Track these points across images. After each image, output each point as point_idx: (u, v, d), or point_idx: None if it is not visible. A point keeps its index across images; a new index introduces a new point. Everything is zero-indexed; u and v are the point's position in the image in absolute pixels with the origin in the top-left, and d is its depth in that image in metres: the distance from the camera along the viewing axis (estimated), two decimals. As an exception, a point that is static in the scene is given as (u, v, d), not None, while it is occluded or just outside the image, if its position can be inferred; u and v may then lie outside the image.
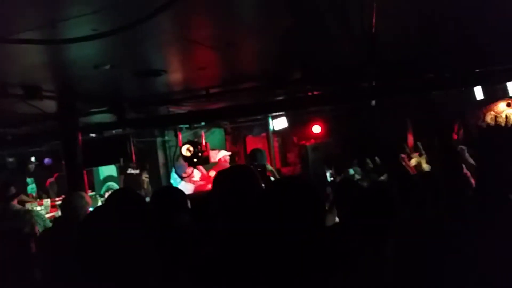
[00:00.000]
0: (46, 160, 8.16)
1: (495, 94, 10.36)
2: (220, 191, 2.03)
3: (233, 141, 10.36)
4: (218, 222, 1.99)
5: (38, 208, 5.86)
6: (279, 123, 8.48)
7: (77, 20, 2.41)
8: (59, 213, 5.83)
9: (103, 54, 3.27)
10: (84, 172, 5.07)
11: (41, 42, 2.66)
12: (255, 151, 5.68)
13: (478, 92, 8.16)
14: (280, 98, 5.60)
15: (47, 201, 6.15)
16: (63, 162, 5.24)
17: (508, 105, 12.42)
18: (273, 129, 8.64)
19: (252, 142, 10.23)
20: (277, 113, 7.98)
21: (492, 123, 12.23)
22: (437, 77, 4.84)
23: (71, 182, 4.94)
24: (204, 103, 5.29)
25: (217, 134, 8.87)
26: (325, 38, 3.49)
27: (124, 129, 5.56)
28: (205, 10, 2.61)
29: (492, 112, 12.66)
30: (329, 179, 5.32)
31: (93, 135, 5.66)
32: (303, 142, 9.82)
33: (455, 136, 8.64)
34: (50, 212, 6.04)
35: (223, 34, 3.06)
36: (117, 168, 8.25)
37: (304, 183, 1.73)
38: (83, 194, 3.93)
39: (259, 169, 4.93)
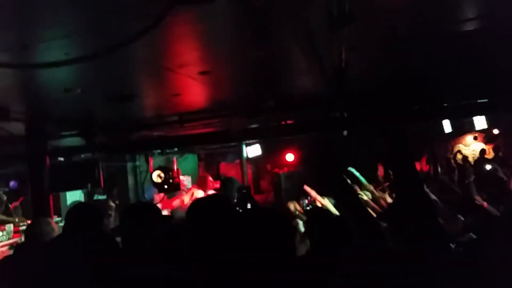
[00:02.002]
0: (12, 183, 7.93)
1: (462, 127, 10.71)
2: (195, 220, 2.02)
3: (206, 167, 10.31)
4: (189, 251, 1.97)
5: (0, 234, 5.65)
6: (253, 150, 8.51)
7: (49, 43, 2.39)
8: (22, 239, 5.63)
9: (74, 78, 3.24)
10: (51, 196, 4.94)
11: (10, 66, 2.62)
12: (225, 181, 5.67)
13: (447, 125, 8.40)
14: (254, 126, 5.63)
15: (9, 226, 5.92)
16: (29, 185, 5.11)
17: (475, 138, 12.84)
18: (247, 156, 8.65)
19: (226, 169, 10.21)
20: (251, 141, 8.01)
21: (460, 156, 12.58)
22: (406, 110, 4.97)
23: (36, 206, 4.80)
24: (177, 129, 5.27)
25: (190, 160, 8.83)
26: (295, 70, 3.56)
27: (93, 154, 5.46)
28: (178, 40, 2.63)
29: (460, 145, 13.05)
30: (305, 207, 5.31)
31: (61, 158, 5.54)
32: (277, 169, 9.85)
33: (423, 167, 8.81)
34: (13, 237, 5.82)
35: (197, 63, 3.08)
36: (84, 193, 8.06)
37: (274, 213, 1.73)
38: (49, 220, 3.83)
39: (244, 191, 4.88)
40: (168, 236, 2.71)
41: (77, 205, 3.55)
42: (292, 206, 5.07)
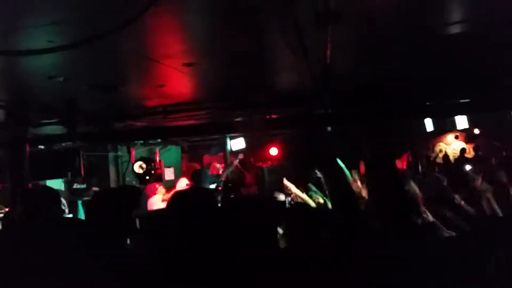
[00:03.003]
0: (-10, 170, 7.78)
1: (444, 126, 10.87)
2: (176, 212, 2.01)
3: (190, 159, 10.28)
4: (172, 242, 1.97)
5: (-23, 221, 5.56)
6: (237, 143, 8.51)
7: (33, 30, 2.35)
8: (-1, 226, 5.55)
9: (58, 65, 3.18)
10: (30, 185, 4.88)
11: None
12: (196, 172, 5.71)
13: (429, 124, 8.52)
14: (239, 119, 5.63)
15: (-12, 214, 5.83)
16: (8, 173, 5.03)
17: (456, 137, 13.06)
18: (231, 149, 8.65)
19: (209, 161, 10.19)
20: (235, 134, 8.01)
21: (440, 154, 12.79)
22: (389, 107, 5.02)
23: (14, 195, 4.72)
24: (161, 120, 5.24)
25: (173, 151, 8.79)
26: (281, 65, 3.57)
27: (74, 143, 5.40)
28: (164, 30, 2.61)
29: (441, 143, 13.25)
30: (287, 204, 5.35)
31: (42, 147, 5.47)
32: (260, 163, 9.87)
33: (403, 165, 8.92)
34: (-10, 225, 5.73)
35: (182, 54, 3.06)
36: (64, 182, 7.98)
37: (258, 203, 1.74)
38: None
39: (229, 185, 4.90)
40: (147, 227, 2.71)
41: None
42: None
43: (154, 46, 2.91)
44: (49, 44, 2.42)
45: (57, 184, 8.17)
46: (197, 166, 7.61)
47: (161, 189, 6.26)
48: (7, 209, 5.17)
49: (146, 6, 1.85)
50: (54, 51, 2.36)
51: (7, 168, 5.13)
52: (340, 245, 2.04)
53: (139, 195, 2.54)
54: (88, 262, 1.93)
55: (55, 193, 3.01)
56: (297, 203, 4.86)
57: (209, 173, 6.18)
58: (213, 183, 5.68)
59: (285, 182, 5.03)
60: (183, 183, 6.10)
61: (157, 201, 6.12)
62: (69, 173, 5.36)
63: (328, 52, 2.62)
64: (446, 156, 12.46)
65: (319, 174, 5.33)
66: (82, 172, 5.26)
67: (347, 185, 1.89)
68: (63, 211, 2.91)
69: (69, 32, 2.42)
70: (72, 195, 7.97)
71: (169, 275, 1.83)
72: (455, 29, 2.91)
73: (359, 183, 5.73)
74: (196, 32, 2.66)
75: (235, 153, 8.88)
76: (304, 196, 4.82)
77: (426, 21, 2.76)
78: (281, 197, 5.32)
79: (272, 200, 5.27)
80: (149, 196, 6.57)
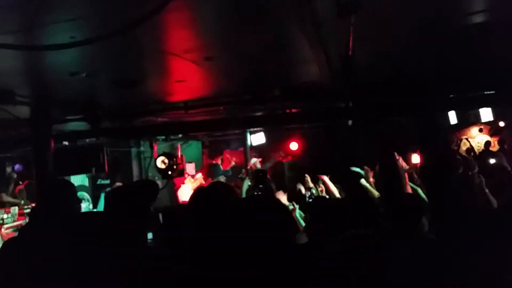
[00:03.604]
0: (17, 167, 7.98)
1: (468, 119, 10.66)
2: (198, 207, 2.02)
3: (210, 154, 10.32)
4: (191, 237, 1.98)
5: (5, 216, 5.70)
6: (257, 138, 8.50)
7: (55, 26, 2.38)
8: (27, 221, 5.68)
9: (80, 61, 3.23)
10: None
11: (17, 48, 2.61)
12: (209, 166, 5.77)
13: (452, 117, 8.34)
14: (259, 114, 5.62)
15: (14, 209, 5.98)
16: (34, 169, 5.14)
17: (481, 130, 12.79)
18: (251, 144, 8.65)
19: (230, 156, 10.21)
20: (256, 129, 8.00)
21: (465, 147, 12.54)
22: (412, 101, 4.94)
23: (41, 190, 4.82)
24: (181, 116, 5.27)
25: (194, 146, 8.84)
26: (302, 58, 3.54)
27: (98, 138, 5.48)
28: (183, 25, 2.62)
29: (465, 137, 13.00)
30: (307, 199, 5.36)
31: (66, 143, 5.56)
32: (280, 158, 9.85)
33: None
34: (18, 220, 5.87)
35: (202, 48, 3.07)
36: (88, 177, 8.11)
37: (274, 202, 1.74)
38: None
39: (260, 174, 5.00)
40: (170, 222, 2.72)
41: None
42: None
43: (174, 41, 2.92)
44: (71, 39, 2.45)
45: (81, 179, 8.33)
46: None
47: (189, 179, 6.32)
48: (33, 205, 5.29)
49: (166, 0, 1.85)
50: (76, 46, 2.38)
51: (33, 164, 5.24)
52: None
53: (157, 189, 2.56)
54: (104, 256, 1.95)
55: (71, 186, 3.07)
56: (317, 197, 4.85)
57: (222, 167, 6.23)
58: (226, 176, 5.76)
59: (321, 176, 5.07)
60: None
61: (188, 190, 6.17)
62: (93, 169, 5.44)
63: (350, 43, 2.58)
64: (469, 149, 12.23)
65: (303, 190, 5.37)
66: (106, 168, 5.33)
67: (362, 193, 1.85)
68: (79, 205, 2.96)
69: (90, 27, 2.45)
70: (96, 190, 8.11)
71: (187, 270, 1.84)
72: (478, 19, 2.84)
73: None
74: (215, 26, 2.65)
75: (255, 148, 8.88)
76: (334, 188, 4.84)
77: (449, 11, 2.69)
78: (302, 190, 5.34)
79: (294, 192, 5.30)
80: (178, 187, 6.66)
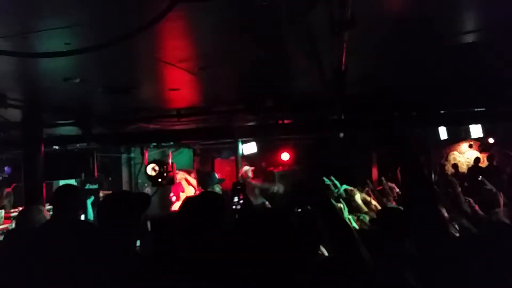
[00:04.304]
0: (6, 169, 7.90)
1: (458, 134, 10.75)
2: (188, 218, 2.02)
3: (202, 162, 10.31)
4: (181, 247, 1.97)
5: (-9, 219, 5.64)
6: (248, 147, 8.52)
7: (50, 32, 2.38)
8: (13, 225, 5.62)
9: (74, 67, 3.22)
10: (43, 184, 4.93)
11: (11, 54, 2.60)
12: (203, 176, 5.73)
13: (443, 132, 8.43)
14: (251, 123, 5.64)
15: (0, 212, 5.91)
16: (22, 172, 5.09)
17: (470, 146, 12.91)
18: (242, 153, 8.66)
19: (221, 165, 10.21)
20: (247, 138, 8.02)
21: (454, 162, 12.65)
22: (403, 115, 4.99)
23: (28, 194, 4.78)
24: (174, 123, 5.27)
25: (185, 154, 8.82)
26: (295, 71, 3.57)
27: (89, 144, 5.46)
28: (179, 35, 2.63)
29: (455, 152, 13.11)
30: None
31: (56, 147, 5.53)
32: (271, 168, 9.87)
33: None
34: (3, 223, 5.81)
35: (196, 58, 3.08)
36: (77, 182, 8.05)
37: (275, 213, 1.73)
38: (41, 208, 3.82)
39: (238, 187, 4.93)
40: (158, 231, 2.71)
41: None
42: None
43: (169, 50, 2.93)
44: (66, 46, 2.45)
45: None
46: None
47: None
48: (21, 208, 5.24)
49: (162, 11, 1.86)
50: (71, 54, 2.38)
51: (21, 167, 5.20)
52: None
53: (149, 202, 2.56)
54: (94, 263, 1.94)
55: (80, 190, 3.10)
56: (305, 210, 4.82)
57: (217, 176, 6.21)
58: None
59: None
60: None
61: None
62: (83, 174, 5.41)
63: (343, 58, 2.61)
64: (455, 165, 12.38)
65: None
66: (96, 173, 5.31)
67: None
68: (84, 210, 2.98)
69: (85, 35, 2.45)
70: (84, 195, 8.04)
71: (175, 278, 1.83)
72: (470, 38, 2.89)
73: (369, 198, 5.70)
74: (211, 36, 2.67)
75: (247, 157, 8.90)
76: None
77: (441, 29, 2.74)
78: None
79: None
80: (176, 195, 6.67)
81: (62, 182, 8.07)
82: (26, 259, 2.50)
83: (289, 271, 1.56)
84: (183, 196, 6.45)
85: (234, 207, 2.52)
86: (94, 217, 8.11)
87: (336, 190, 5.63)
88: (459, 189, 4.42)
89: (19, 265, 2.51)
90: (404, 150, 2.28)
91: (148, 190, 7.39)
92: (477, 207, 4.24)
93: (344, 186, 5.78)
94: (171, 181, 6.30)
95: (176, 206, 6.35)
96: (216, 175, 5.86)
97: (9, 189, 8.03)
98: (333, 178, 6.08)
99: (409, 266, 2.22)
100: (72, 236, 1.98)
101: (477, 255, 2.06)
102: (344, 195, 5.74)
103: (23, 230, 3.41)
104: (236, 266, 1.56)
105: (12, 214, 5.92)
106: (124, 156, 8.15)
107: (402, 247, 2.46)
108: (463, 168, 12.60)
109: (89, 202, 8.30)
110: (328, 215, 1.76)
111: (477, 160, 12.05)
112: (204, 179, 5.46)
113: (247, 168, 7.76)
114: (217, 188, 5.46)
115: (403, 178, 2.25)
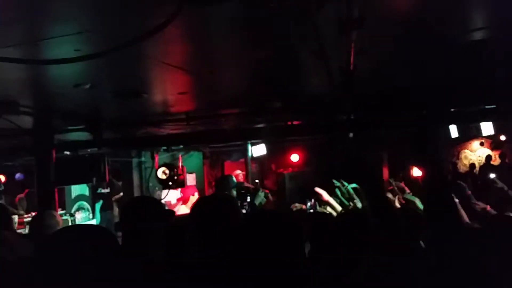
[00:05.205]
0: (18, 175, 7.99)
1: (469, 133, 10.68)
2: (200, 219, 2.02)
3: (211, 165, 10.34)
4: (194, 251, 1.98)
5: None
6: (258, 150, 8.53)
7: (60, 39, 2.41)
8: (26, 230, 5.69)
9: (84, 73, 3.25)
10: (56, 189, 4.98)
11: (22, 62, 2.64)
12: (221, 178, 5.72)
13: (453, 130, 8.35)
14: (260, 125, 5.65)
15: (14, 217, 5.98)
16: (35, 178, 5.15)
17: (482, 144, 12.80)
18: (252, 155, 8.67)
19: (230, 167, 10.23)
20: (256, 140, 8.03)
21: (466, 161, 12.54)
22: (413, 114, 4.96)
23: (41, 199, 4.83)
24: (183, 127, 5.29)
25: (195, 157, 8.86)
26: (303, 71, 3.57)
27: (100, 148, 5.50)
28: (187, 39, 2.64)
29: (466, 150, 13.01)
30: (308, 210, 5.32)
31: (68, 152, 5.58)
32: (281, 170, 9.87)
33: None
34: (17, 229, 5.87)
35: (205, 62, 3.09)
36: (89, 187, 8.13)
37: (283, 216, 1.73)
38: (54, 213, 3.86)
39: (242, 191, 4.94)
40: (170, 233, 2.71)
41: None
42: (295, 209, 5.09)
43: (178, 54, 2.95)
44: (76, 53, 2.47)
45: (81, 189, 8.35)
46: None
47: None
48: (34, 213, 5.30)
49: (170, 16, 1.88)
50: (80, 60, 2.40)
51: (34, 173, 5.25)
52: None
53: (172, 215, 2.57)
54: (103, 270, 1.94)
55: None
56: (319, 212, 4.81)
57: (235, 180, 6.19)
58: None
59: (317, 189, 4.97)
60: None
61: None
62: (94, 179, 5.46)
63: (352, 58, 2.60)
64: (473, 165, 12.24)
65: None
66: (107, 178, 5.35)
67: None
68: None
69: (95, 41, 2.47)
70: (96, 199, 8.12)
71: (186, 281, 1.84)
72: (479, 35, 2.87)
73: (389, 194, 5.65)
74: (220, 40, 2.68)
75: (256, 159, 8.91)
76: (335, 203, 4.76)
77: (449, 27, 2.72)
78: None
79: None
80: (185, 198, 6.72)
81: (73, 187, 8.19)
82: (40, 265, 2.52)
83: (296, 271, 1.56)
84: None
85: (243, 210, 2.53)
86: (100, 221, 8.17)
87: (344, 188, 5.58)
88: (469, 192, 4.37)
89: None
90: (433, 151, 2.29)
91: (158, 193, 7.42)
92: (488, 207, 4.19)
93: (353, 185, 5.74)
94: (182, 184, 6.33)
95: (182, 210, 6.39)
96: (234, 179, 5.83)
97: (22, 195, 8.12)
98: (342, 180, 6.04)
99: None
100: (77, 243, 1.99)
101: (491, 250, 2.05)
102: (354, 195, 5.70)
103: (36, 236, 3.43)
104: (244, 267, 1.57)
105: (26, 219, 5.99)
106: (135, 160, 8.20)
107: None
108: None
109: (97, 206, 8.36)
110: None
111: (488, 158, 11.94)
112: (222, 183, 5.43)
113: (238, 172, 7.96)
114: (234, 192, 5.46)
115: (426, 178, 2.27)
